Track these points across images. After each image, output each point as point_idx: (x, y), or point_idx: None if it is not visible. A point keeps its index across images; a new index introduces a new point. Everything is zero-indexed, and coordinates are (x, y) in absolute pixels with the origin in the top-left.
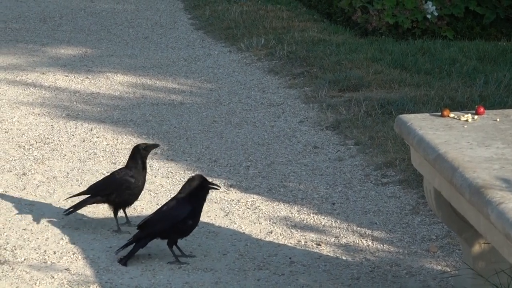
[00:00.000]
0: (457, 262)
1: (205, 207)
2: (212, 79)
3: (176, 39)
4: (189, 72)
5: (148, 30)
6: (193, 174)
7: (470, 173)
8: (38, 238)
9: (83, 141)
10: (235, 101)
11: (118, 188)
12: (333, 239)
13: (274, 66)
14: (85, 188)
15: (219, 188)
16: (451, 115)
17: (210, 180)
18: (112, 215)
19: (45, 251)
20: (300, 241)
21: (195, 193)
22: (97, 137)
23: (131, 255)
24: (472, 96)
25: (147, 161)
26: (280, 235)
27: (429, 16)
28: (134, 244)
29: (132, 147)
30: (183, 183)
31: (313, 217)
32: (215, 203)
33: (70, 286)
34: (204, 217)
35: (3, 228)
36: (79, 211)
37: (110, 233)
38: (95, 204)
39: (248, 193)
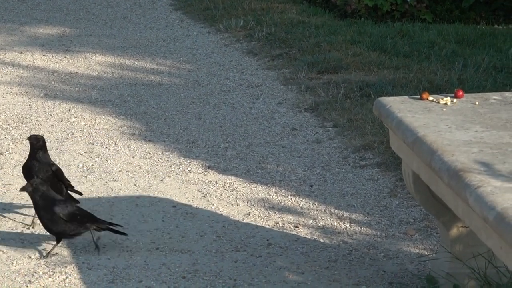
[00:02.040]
0: (434, 245)
1: (183, 188)
2: (191, 60)
3: (155, 20)
4: (168, 53)
5: (126, 10)
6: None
7: (449, 156)
8: (15, 218)
9: (61, 121)
10: (214, 82)
11: None
12: (310, 221)
13: (253, 47)
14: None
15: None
16: (430, 98)
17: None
18: (88, 197)
19: (21, 231)
20: (278, 223)
21: None
22: (75, 117)
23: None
24: (451, 80)
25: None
26: (258, 217)
27: None
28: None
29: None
30: None
31: (291, 199)
32: (193, 184)
33: (47, 266)
34: (182, 199)
35: None
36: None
37: None
38: (73, 185)
39: (226, 175)
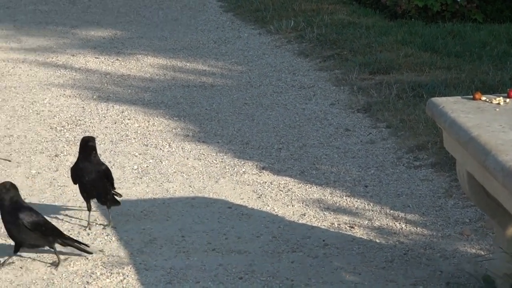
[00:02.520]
0: (491, 245)
1: (238, 189)
2: (243, 62)
3: (206, 21)
4: (219, 54)
5: (177, 12)
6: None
7: (503, 156)
8: (71, 220)
9: (115, 123)
10: (266, 83)
11: None
12: (366, 221)
13: (304, 48)
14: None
15: None
16: (483, 98)
17: None
18: (143, 198)
19: (78, 232)
20: (333, 224)
21: None
22: (129, 119)
23: None
24: (503, 79)
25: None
26: (313, 217)
27: None
28: None
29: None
30: None
31: (346, 199)
32: (248, 185)
33: (105, 267)
34: (237, 199)
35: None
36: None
37: (143, 215)
38: (128, 187)
39: (280, 175)
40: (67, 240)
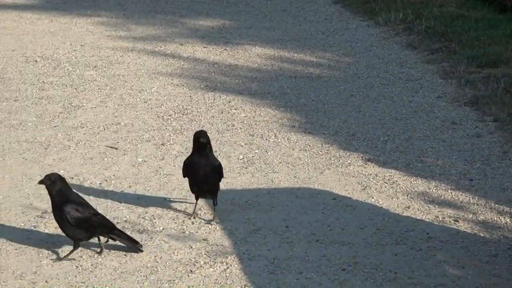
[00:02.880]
0: None
1: (343, 181)
2: (350, 53)
3: (314, 12)
4: (327, 46)
5: (286, 3)
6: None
7: None
8: (177, 208)
9: (221, 113)
10: (373, 75)
11: None
12: (470, 215)
13: (412, 41)
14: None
15: None
16: None
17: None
18: (248, 188)
19: (183, 221)
20: (438, 217)
21: None
22: (235, 109)
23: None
24: None
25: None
26: (418, 210)
27: None
28: None
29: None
30: None
31: (451, 193)
32: (353, 177)
33: (208, 256)
34: (341, 191)
35: (142, 198)
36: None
37: (248, 204)
38: (233, 176)
39: (385, 168)
40: (116, 235)
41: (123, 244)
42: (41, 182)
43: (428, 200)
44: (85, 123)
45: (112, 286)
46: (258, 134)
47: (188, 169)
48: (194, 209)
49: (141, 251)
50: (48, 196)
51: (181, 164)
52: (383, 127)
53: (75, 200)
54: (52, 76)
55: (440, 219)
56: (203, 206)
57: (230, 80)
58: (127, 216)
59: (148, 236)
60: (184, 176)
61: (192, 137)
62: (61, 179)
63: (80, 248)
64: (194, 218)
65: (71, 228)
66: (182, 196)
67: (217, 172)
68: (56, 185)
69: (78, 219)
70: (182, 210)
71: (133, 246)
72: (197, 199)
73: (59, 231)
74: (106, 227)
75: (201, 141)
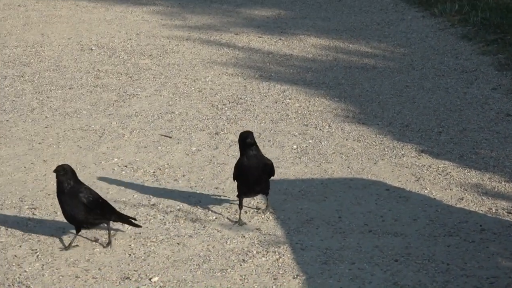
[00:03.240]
0: None
1: (396, 172)
2: (405, 44)
3: (370, 3)
4: (382, 36)
5: None
6: None
7: None
8: (229, 198)
9: (276, 102)
10: (428, 66)
11: None
12: None
13: (467, 32)
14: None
15: None
16: None
17: None
18: (302, 178)
19: (236, 210)
20: (491, 209)
21: None
22: (289, 99)
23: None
24: None
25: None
26: (471, 202)
27: None
28: None
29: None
30: None
31: (505, 185)
32: (406, 167)
33: (261, 246)
34: (395, 182)
35: (196, 187)
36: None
37: (301, 194)
38: (287, 166)
39: (439, 159)
40: (118, 217)
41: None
42: (55, 171)
43: (482, 192)
44: (139, 112)
45: (164, 274)
46: (312, 124)
47: (241, 172)
48: (239, 217)
49: (140, 226)
50: (101, 185)
51: (235, 153)
52: (437, 118)
53: (86, 187)
54: (107, 65)
55: (494, 211)
56: (254, 197)
57: (285, 70)
58: (180, 205)
59: (201, 225)
60: (235, 180)
61: (238, 137)
62: (72, 170)
63: (132, 237)
64: (240, 225)
65: (84, 212)
66: (235, 186)
67: (269, 171)
68: (68, 175)
69: (92, 201)
70: (235, 199)
71: (134, 223)
72: (241, 206)
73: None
74: (112, 210)
75: (248, 142)
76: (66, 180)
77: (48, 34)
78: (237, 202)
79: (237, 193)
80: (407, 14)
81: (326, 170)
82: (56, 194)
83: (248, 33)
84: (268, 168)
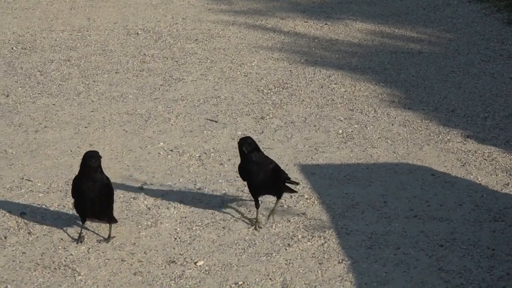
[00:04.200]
0: None
1: (442, 157)
2: (451, 29)
3: None
4: (428, 21)
5: None
6: None
7: None
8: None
9: (321, 87)
10: (474, 51)
11: None
12: None
13: None
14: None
15: None
16: None
17: None
18: (347, 163)
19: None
20: None
21: None
22: (335, 84)
23: None
24: None
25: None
26: None
27: None
28: None
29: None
30: None
31: None
32: (452, 153)
33: (306, 230)
34: (440, 167)
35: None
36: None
37: (346, 179)
38: (332, 151)
39: (485, 144)
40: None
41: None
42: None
43: None
44: (185, 96)
45: (210, 258)
46: (358, 109)
47: (242, 175)
48: (257, 219)
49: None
50: (147, 169)
51: (281, 138)
52: (483, 104)
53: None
54: (153, 49)
55: None
56: (301, 180)
57: (330, 55)
58: (226, 189)
59: (246, 209)
60: (244, 180)
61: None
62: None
63: (178, 221)
64: (258, 229)
65: (111, 203)
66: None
67: (276, 174)
68: (99, 162)
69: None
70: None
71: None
72: (257, 205)
73: (157, 203)
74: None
75: (243, 151)
76: (98, 168)
77: (94, 18)
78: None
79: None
80: None
81: (371, 155)
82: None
83: (293, 18)
84: (272, 171)
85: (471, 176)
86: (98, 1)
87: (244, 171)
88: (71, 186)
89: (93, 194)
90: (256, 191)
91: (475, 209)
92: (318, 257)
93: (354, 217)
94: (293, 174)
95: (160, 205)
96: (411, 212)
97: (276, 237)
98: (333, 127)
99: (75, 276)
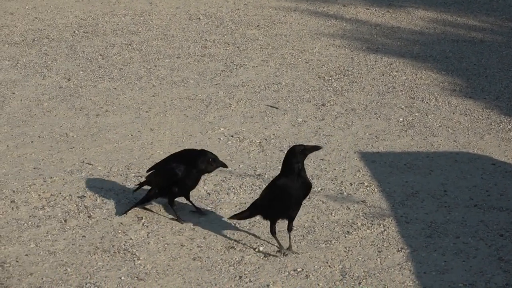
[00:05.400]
0: None
1: (503, 146)
2: None
3: None
4: (491, 10)
5: None
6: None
7: None
8: (335, 169)
9: (382, 75)
10: None
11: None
12: None
13: None
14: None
15: (225, 167)
16: None
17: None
18: (407, 151)
19: (341, 182)
20: None
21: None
22: (396, 71)
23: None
24: None
25: None
26: None
27: None
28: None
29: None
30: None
31: None
32: None
33: (366, 218)
34: (501, 156)
35: None
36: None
37: (406, 167)
38: (393, 139)
39: None
40: None
41: None
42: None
43: None
44: (246, 82)
45: (269, 245)
46: (419, 97)
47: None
48: (279, 244)
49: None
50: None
51: (341, 125)
52: None
53: None
54: (214, 34)
55: None
56: (361, 168)
57: (392, 43)
58: None
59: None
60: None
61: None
62: None
63: (238, 207)
64: (286, 254)
65: None
66: (341, 157)
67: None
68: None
69: None
70: (341, 170)
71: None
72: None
73: (217, 189)
74: None
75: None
76: None
77: (156, 3)
78: (342, 171)
79: (269, 223)
80: None
81: (432, 144)
82: None
83: (355, 4)
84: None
85: None
86: None
87: (293, 190)
88: None
89: None
90: (284, 213)
91: None
92: (377, 245)
93: (414, 205)
94: (353, 161)
95: (220, 190)
96: (471, 202)
97: (336, 224)
98: (394, 115)
99: (134, 260)
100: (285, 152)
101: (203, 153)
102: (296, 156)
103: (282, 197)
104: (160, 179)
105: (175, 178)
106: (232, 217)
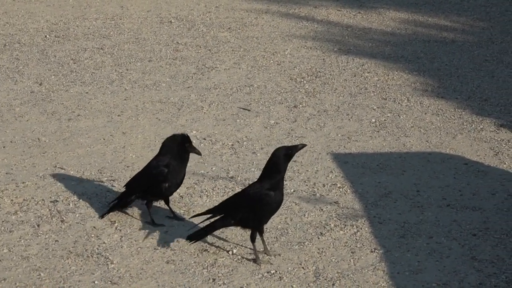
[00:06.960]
0: None
1: (475, 146)
2: (485, 18)
3: None
4: (462, 10)
5: None
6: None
7: None
8: (307, 171)
9: (354, 76)
10: (508, 40)
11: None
12: None
13: None
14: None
15: (200, 154)
16: None
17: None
18: (380, 152)
19: (314, 183)
20: None
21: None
22: (368, 72)
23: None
24: None
25: None
26: None
27: None
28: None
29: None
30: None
31: None
32: (485, 142)
33: (339, 219)
34: (473, 156)
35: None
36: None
37: (379, 168)
38: (365, 140)
39: None
40: None
41: None
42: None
43: None
44: (218, 84)
45: (242, 247)
46: (391, 97)
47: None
48: (256, 255)
49: None
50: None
51: (313, 127)
52: None
53: None
54: (186, 37)
55: None
56: (334, 169)
57: (364, 44)
58: None
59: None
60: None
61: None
62: None
63: None
64: (260, 264)
65: None
66: (313, 159)
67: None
68: None
69: None
70: (314, 172)
71: None
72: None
73: (190, 191)
74: None
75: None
76: None
77: (127, 6)
78: (315, 173)
79: (250, 233)
80: None
81: (404, 144)
82: None
83: (327, 6)
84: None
85: (504, 165)
86: None
87: (275, 202)
88: None
89: None
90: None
91: (508, 199)
92: (350, 246)
93: (387, 206)
94: (326, 162)
95: (192, 193)
96: (444, 201)
97: (309, 226)
98: (366, 116)
99: (107, 264)
100: (270, 155)
101: (172, 136)
102: (286, 162)
103: (271, 208)
104: (146, 180)
105: (163, 175)
106: (192, 238)
